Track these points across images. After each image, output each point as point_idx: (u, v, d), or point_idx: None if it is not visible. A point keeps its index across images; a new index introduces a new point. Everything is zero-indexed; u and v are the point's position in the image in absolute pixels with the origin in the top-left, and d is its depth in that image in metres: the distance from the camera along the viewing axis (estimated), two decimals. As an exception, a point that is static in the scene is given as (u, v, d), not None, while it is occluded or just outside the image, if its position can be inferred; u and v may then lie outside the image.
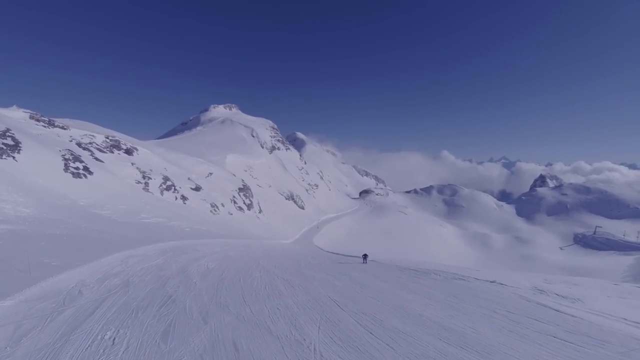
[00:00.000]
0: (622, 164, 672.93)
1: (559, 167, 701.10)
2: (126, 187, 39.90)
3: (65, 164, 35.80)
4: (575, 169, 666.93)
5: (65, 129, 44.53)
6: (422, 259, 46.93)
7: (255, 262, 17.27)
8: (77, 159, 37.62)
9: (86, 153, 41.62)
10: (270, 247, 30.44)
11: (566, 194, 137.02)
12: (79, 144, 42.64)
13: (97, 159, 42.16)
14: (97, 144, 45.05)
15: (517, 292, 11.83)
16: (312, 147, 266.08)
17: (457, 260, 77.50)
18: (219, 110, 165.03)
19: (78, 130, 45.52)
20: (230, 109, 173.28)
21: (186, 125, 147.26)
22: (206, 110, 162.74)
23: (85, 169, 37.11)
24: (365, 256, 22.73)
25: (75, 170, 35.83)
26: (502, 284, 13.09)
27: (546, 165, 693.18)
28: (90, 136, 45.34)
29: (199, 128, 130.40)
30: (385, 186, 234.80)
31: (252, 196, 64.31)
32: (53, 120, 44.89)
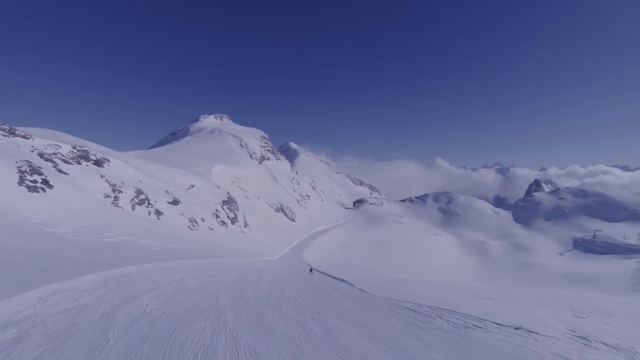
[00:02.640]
0: (615, 166, 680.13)
1: (553, 171, 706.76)
2: (92, 201, 36.03)
3: (21, 177, 31.91)
4: (569, 172, 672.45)
5: (27, 138, 40.65)
6: (420, 278, 43.36)
7: (212, 299, 13.59)
8: (35, 171, 33.77)
9: (48, 164, 37.75)
10: (248, 269, 26.72)
11: (563, 198, 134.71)
12: (41, 155, 38.75)
13: (60, 170, 38.30)
14: (62, 155, 41.15)
15: (556, 349, 8.37)
16: (306, 156, 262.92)
17: (456, 270, 74.20)
18: (209, 121, 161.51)
19: (42, 140, 41.66)
20: (221, 119, 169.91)
21: (175, 136, 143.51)
22: (196, 120, 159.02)
23: (45, 182, 33.26)
24: (311, 270, 27.03)
25: (31, 184, 31.96)
26: (530, 331, 9.63)
27: (540, 170, 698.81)
28: (55, 146, 41.47)
29: (187, 138, 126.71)
30: (379, 195, 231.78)
31: (238, 209, 60.49)
32: (14, 129, 41.00)
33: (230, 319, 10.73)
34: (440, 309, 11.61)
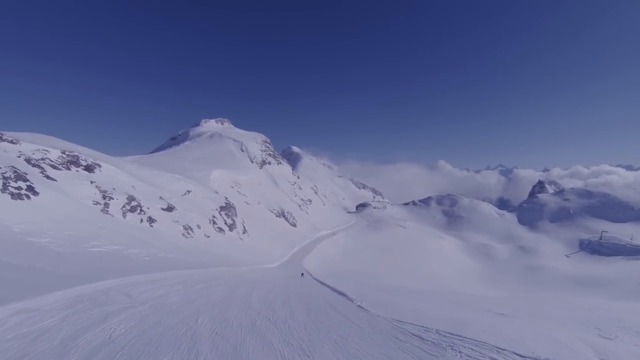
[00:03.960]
0: (618, 165, 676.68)
1: (556, 172, 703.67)
2: (80, 209, 34.48)
3: (4, 184, 30.41)
4: (573, 173, 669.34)
5: (14, 143, 39.22)
6: (424, 285, 41.53)
7: (191, 321, 11.95)
8: (20, 177, 32.27)
9: (36, 170, 36.27)
10: (242, 280, 25.07)
11: (568, 199, 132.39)
12: (28, 160, 37.31)
13: (48, 177, 36.81)
14: (50, 160, 39.69)
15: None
16: (308, 160, 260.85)
17: (461, 275, 72.32)
18: (210, 125, 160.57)
19: (30, 145, 40.24)
20: (222, 123, 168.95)
21: (175, 141, 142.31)
22: (197, 124, 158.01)
23: (30, 188, 31.75)
24: (302, 274, 31.83)
25: (15, 191, 30.47)
26: (559, 363, 7.97)
27: (543, 171, 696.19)
28: (43, 151, 40.04)
29: (186, 143, 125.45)
30: (383, 198, 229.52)
31: (236, 215, 58.84)
32: (1, 134, 39.56)
33: (205, 349, 9.10)
34: (450, 334, 9.93)
